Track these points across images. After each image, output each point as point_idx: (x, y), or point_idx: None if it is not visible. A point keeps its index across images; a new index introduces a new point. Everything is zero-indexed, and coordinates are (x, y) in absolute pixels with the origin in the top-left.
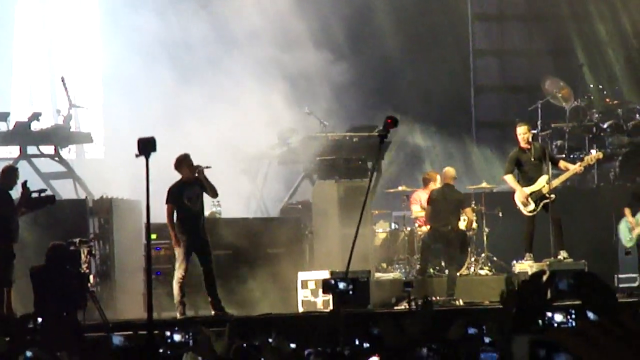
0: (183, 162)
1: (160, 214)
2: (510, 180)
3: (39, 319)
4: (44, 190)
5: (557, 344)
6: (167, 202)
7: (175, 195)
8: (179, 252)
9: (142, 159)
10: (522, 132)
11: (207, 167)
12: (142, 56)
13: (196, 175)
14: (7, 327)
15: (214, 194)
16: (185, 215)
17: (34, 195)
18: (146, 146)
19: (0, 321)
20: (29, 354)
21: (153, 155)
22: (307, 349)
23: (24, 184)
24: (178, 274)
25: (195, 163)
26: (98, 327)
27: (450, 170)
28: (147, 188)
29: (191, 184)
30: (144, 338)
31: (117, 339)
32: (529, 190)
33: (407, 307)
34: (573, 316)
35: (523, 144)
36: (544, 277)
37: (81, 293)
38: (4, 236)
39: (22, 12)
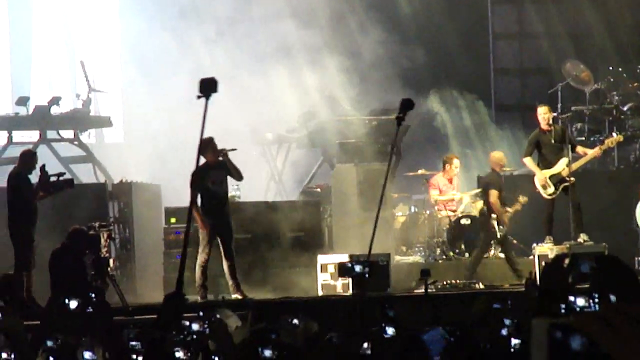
0: (208, 146)
1: (180, 197)
2: (529, 162)
3: (72, 303)
4: (62, 174)
5: (573, 326)
6: (191, 186)
7: (198, 179)
8: (202, 236)
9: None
10: (543, 113)
11: (232, 150)
12: (161, 40)
13: (220, 158)
14: (27, 311)
15: (239, 177)
16: (209, 198)
17: (53, 179)
18: (207, 86)
19: (21, 305)
20: (49, 343)
21: (174, 138)
22: (329, 332)
23: (42, 168)
24: (201, 257)
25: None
26: (118, 310)
27: (495, 155)
28: (202, 132)
29: (215, 167)
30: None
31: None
32: (548, 173)
33: (425, 292)
34: (596, 300)
35: (543, 126)
36: (566, 261)
37: (100, 277)
38: (23, 220)
39: None
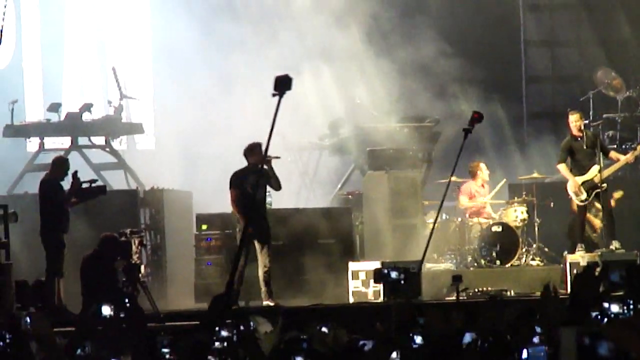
0: (254, 150)
1: (211, 204)
2: (563, 169)
3: (105, 309)
4: (95, 181)
5: (601, 333)
6: (230, 187)
7: (238, 181)
8: (240, 239)
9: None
10: (574, 120)
11: (276, 157)
12: (193, 47)
13: (263, 165)
14: (59, 317)
15: (278, 186)
16: (246, 202)
17: (85, 185)
18: (282, 84)
19: (53, 311)
20: (79, 351)
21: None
22: (362, 340)
23: (75, 174)
24: (237, 262)
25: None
26: (149, 317)
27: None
28: (273, 125)
29: (255, 172)
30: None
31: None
32: (581, 180)
33: (456, 298)
34: (631, 306)
35: (575, 132)
36: (597, 270)
37: (131, 284)
38: (55, 226)
39: (73, 3)
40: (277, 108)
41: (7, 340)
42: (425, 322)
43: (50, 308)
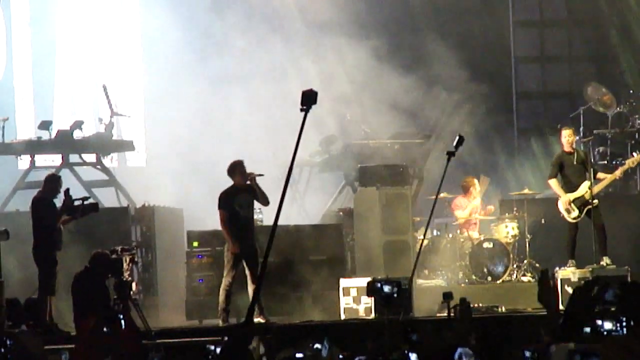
0: (236, 168)
1: (202, 221)
2: (554, 184)
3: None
4: (87, 198)
5: (593, 352)
6: (219, 208)
7: (226, 201)
8: (227, 259)
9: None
10: (567, 135)
11: (259, 175)
12: (183, 65)
13: (248, 182)
14: (51, 335)
15: (265, 202)
16: (235, 221)
17: (77, 203)
18: (309, 99)
19: (45, 329)
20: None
21: (196, 163)
22: (357, 356)
23: (67, 192)
24: (225, 281)
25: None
26: (141, 335)
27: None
28: (298, 142)
29: (243, 191)
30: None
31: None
32: (572, 196)
33: (448, 315)
34: (624, 324)
35: (567, 147)
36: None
37: (123, 301)
38: (48, 244)
39: (64, 21)
40: (303, 123)
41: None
42: (417, 339)
43: (42, 326)
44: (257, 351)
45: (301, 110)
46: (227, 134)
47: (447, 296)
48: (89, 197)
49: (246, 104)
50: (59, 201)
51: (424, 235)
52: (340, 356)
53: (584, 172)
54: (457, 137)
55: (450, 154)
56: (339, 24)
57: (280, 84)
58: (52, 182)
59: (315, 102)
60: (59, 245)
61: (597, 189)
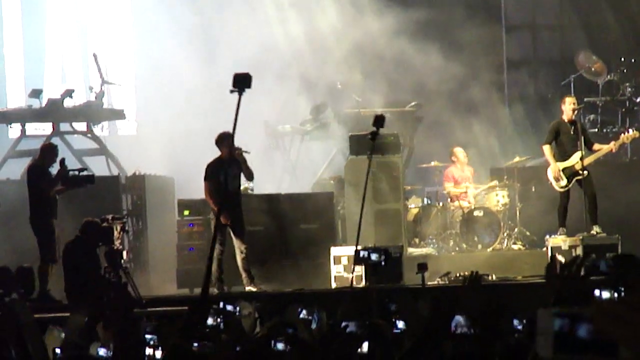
0: (224, 140)
1: (193, 190)
2: (547, 151)
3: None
4: (83, 169)
5: (581, 315)
6: (205, 179)
7: (212, 173)
8: (214, 228)
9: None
10: (571, 102)
11: (246, 152)
12: (174, 31)
13: (235, 156)
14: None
15: (250, 176)
16: (220, 192)
17: (73, 173)
18: (241, 81)
19: (46, 298)
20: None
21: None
22: (344, 321)
23: (62, 162)
24: (216, 250)
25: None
26: (132, 302)
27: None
28: (234, 126)
29: (229, 163)
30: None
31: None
32: (562, 165)
33: (422, 285)
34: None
35: (568, 115)
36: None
37: (113, 270)
38: (43, 212)
39: None
40: (238, 106)
41: None
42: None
43: (44, 295)
44: (252, 317)
45: (231, 92)
46: (219, 102)
47: (422, 267)
48: (86, 169)
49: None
50: (54, 171)
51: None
52: (331, 322)
53: (577, 142)
54: (375, 117)
55: (374, 134)
56: None
57: (272, 53)
58: (49, 151)
59: (249, 85)
60: (55, 214)
61: (588, 160)
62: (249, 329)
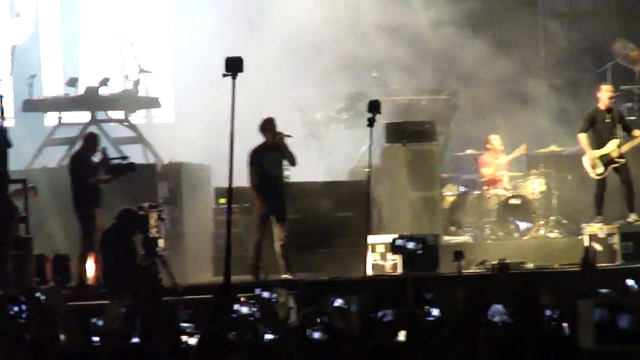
0: (267, 126)
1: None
2: (583, 139)
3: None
4: (125, 158)
5: (621, 305)
6: (249, 165)
7: (256, 159)
8: (257, 216)
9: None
10: (607, 90)
11: (287, 136)
12: (213, 18)
13: (276, 140)
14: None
15: (292, 162)
16: (263, 179)
17: (116, 162)
18: (233, 65)
19: (85, 287)
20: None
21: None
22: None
23: (104, 150)
24: (255, 237)
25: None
26: (168, 291)
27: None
28: (232, 113)
29: (272, 149)
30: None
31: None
32: (598, 153)
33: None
34: None
35: (605, 103)
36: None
37: (150, 257)
38: (86, 201)
39: None
40: (233, 89)
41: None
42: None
43: (83, 283)
44: (286, 306)
45: (224, 76)
46: (255, 90)
47: (458, 255)
48: (128, 157)
49: (275, 58)
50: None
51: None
52: (366, 312)
53: (614, 130)
54: (369, 103)
55: (371, 120)
56: None
57: (310, 38)
58: (91, 139)
59: (241, 69)
60: (98, 202)
61: (626, 147)
62: (283, 316)
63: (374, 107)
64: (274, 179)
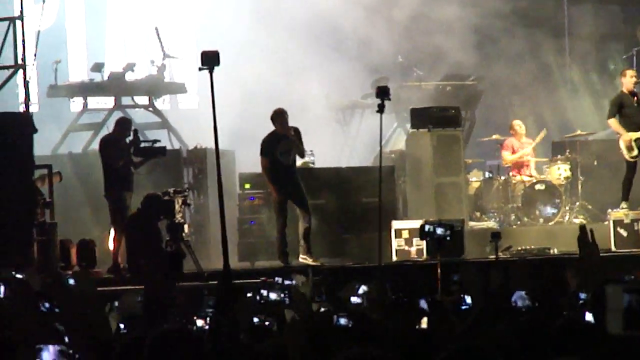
0: (277, 117)
1: (254, 163)
2: (614, 124)
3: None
4: (157, 141)
5: None
6: (261, 154)
7: (268, 148)
8: (274, 203)
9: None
10: (632, 75)
11: (294, 137)
12: (237, 5)
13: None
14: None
15: (301, 154)
16: (276, 167)
17: (145, 145)
18: (210, 59)
19: (117, 270)
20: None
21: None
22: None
23: (135, 132)
24: (278, 224)
25: (289, 114)
26: (193, 276)
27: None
28: (214, 107)
29: (283, 138)
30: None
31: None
32: (634, 135)
33: (495, 256)
34: None
35: (630, 87)
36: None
37: (175, 243)
38: (116, 184)
39: None
40: (212, 82)
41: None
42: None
43: (115, 267)
44: (308, 291)
45: (200, 69)
46: (281, 75)
47: (495, 236)
48: (159, 140)
49: (298, 48)
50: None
51: None
52: (393, 297)
53: None
54: (377, 89)
55: (381, 107)
56: None
57: (334, 24)
58: (124, 124)
59: (217, 63)
60: (129, 186)
61: None
62: (309, 302)
63: (383, 93)
64: (286, 167)
